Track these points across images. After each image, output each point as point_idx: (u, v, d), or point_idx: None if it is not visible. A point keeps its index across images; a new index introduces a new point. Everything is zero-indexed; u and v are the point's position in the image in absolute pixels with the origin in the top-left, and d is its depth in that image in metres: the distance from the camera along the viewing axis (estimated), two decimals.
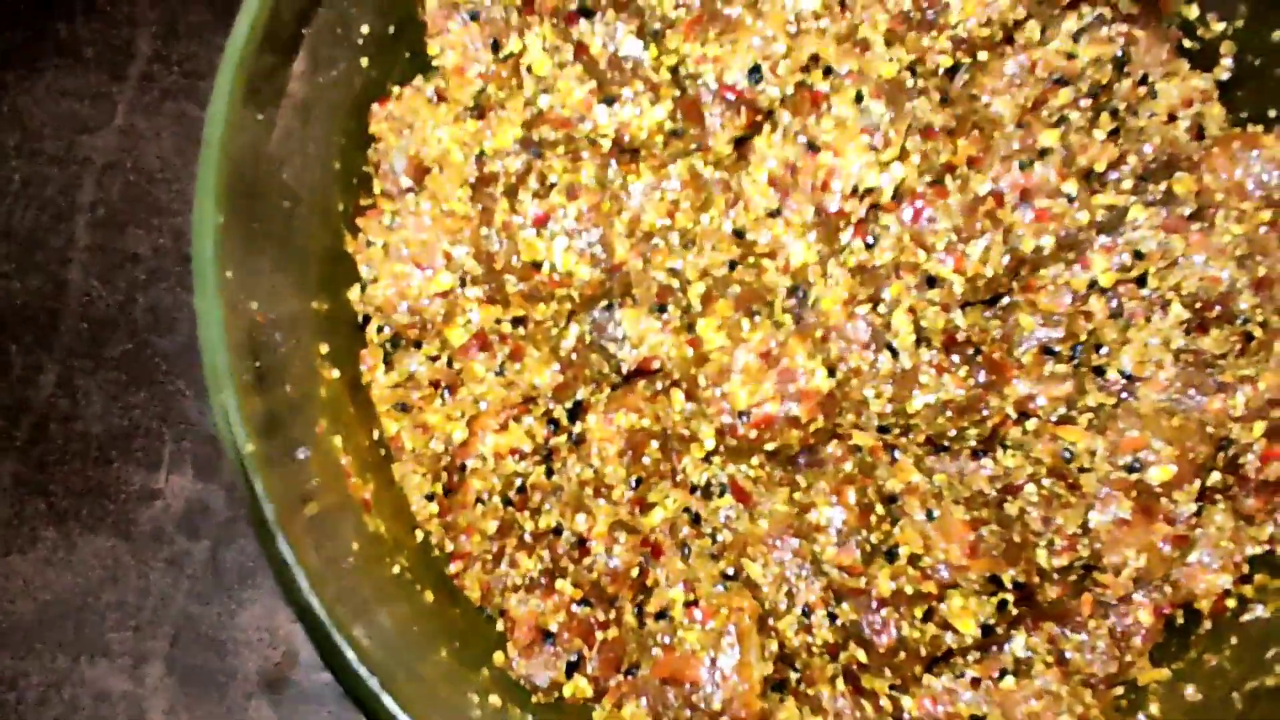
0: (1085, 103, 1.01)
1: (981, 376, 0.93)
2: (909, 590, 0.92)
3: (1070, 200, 0.95)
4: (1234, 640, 0.97)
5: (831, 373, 0.92)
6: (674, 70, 0.95)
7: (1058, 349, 0.98)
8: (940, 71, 1.01)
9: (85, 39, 1.31)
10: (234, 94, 0.80)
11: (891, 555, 0.93)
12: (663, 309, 0.96)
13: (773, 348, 0.91)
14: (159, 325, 1.25)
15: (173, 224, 1.28)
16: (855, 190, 0.91)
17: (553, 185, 0.95)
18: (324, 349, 0.97)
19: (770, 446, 0.93)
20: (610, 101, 0.93)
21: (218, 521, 1.20)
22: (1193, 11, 1.05)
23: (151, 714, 1.15)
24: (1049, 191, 0.95)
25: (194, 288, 0.77)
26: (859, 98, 0.91)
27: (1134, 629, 0.98)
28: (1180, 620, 1.00)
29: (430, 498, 1.02)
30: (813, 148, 0.91)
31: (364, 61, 0.98)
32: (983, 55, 1.01)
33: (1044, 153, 0.95)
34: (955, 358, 0.93)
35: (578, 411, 1.00)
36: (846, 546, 0.92)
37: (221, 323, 0.78)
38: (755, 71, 0.91)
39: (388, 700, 0.77)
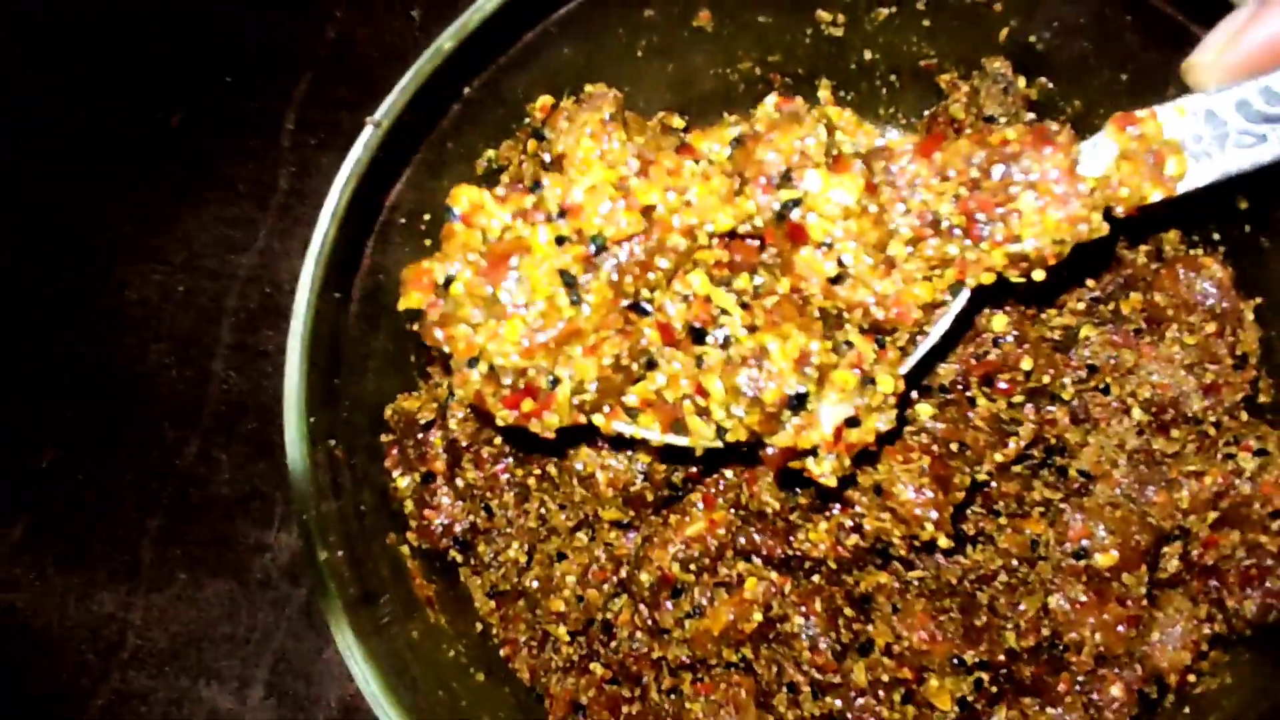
0: None
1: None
2: (885, 678, 1.01)
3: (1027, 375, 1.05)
4: (1186, 710, 1.04)
5: None
6: None
7: (1030, 453, 1.07)
8: None
9: (240, 177, 1.53)
10: (318, 283, 0.96)
11: (865, 649, 1.02)
12: None
13: None
14: (280, 409, 1.52)
15: None
16: None
17: None
18: (400, 481, 1.09)
19: None
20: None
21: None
22: None
23: None
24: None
25: (284, 429, 0.94)
26: None
27: (1107, 703, 1.04)
28: (1154, 694, 1.04)
29: (490, 595, 1.13)
30: None
31: (427, 242, 1.10)
32: None
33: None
34: None
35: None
36: (818, 649, 1.02)
37: (306, 457, 0.93)
38: None
39: None
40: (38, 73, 1.61)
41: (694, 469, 1.03)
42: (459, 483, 1.07)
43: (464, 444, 1.07)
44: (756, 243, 0.85)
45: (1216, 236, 1.13)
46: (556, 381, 0.82)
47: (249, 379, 1.48)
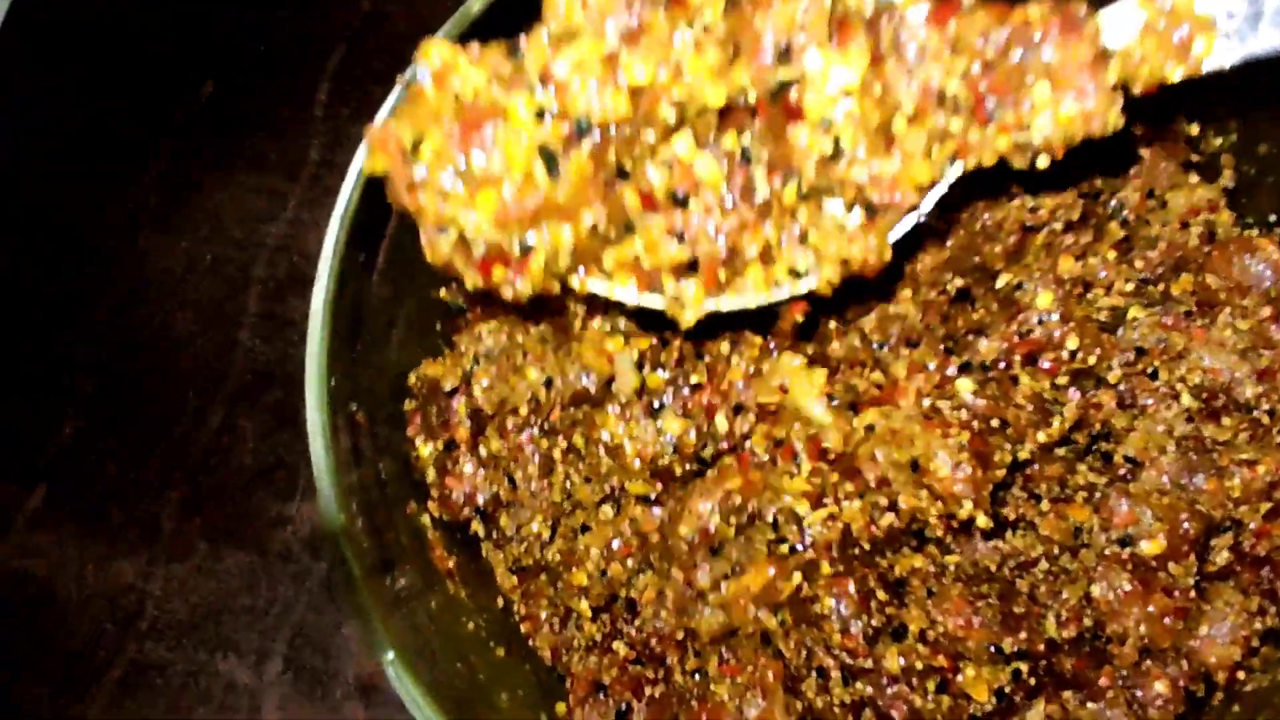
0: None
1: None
2: (919, 665, 0.96)
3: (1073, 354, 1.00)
4: (1235, 708, 0.99)
5: None
6: None
7: (1074, 438, 1.03)
8: None
9: (271, 147, 1.52)
10: (342, 244, 0.95)
11: (898, 634, 0.98)
12: None
13: None
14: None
15: None
16: None
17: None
18: (422, 449, 1.07)
19: None
20: None
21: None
22: (1194, 129, 1.12)
23: (267, 706, 1.30)
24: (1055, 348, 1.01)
25: (305, 393, 0.91)
26: None
27: (1151, 699, 0.99)
28: (1201, 692, 1.00)
29: (513, 570, 1.10)
30: None
31: None
32: None
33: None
34: None
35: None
36: (849, 632, 0.98)
37: (325, 422, 0.91)
38: None
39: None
40: (69, 41, 1.61)
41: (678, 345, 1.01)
42: (482, 452, 1.04)
43: (488, 413, 1.05)
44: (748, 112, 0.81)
45: (1273, 218, 1.09)
46: (530, 250, 0.79)
47: (275, 348, 1.46)
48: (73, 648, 1.36)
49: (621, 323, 1.03)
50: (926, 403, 0.97)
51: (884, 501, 0.98)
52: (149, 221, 1.53)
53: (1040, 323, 1.02)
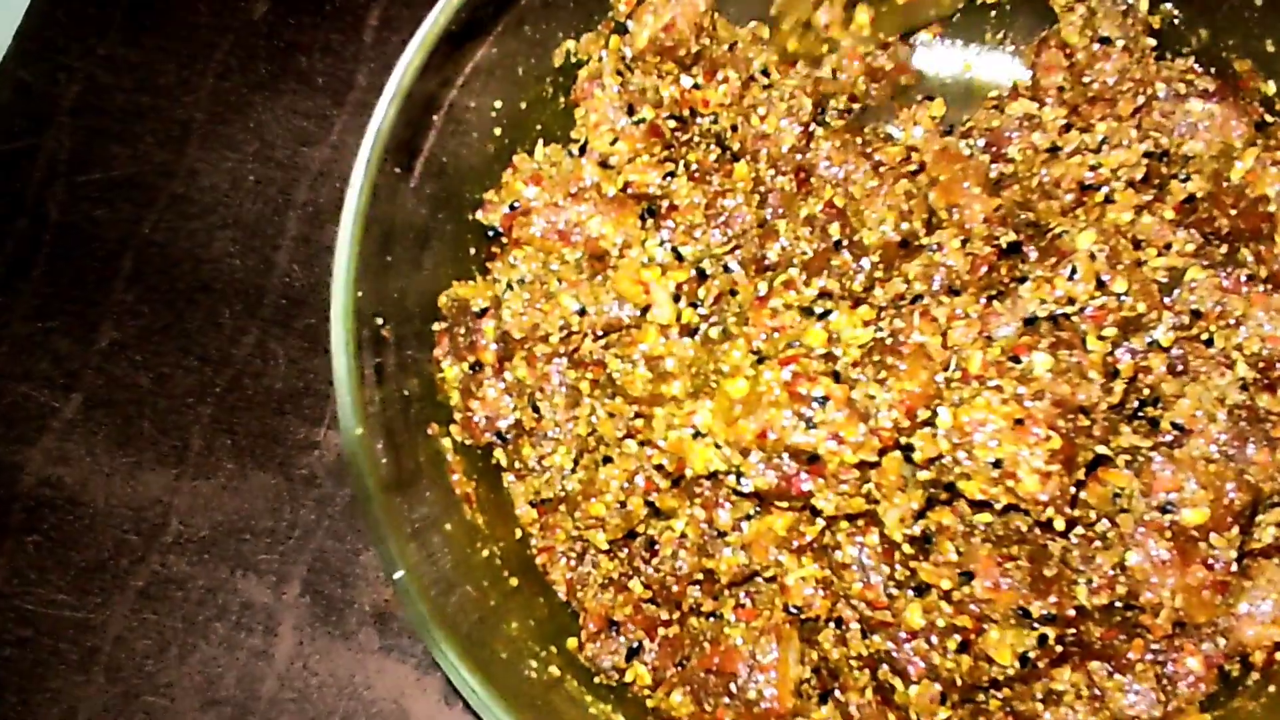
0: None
1: None
2: (941, 623, 0.95)
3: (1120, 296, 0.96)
4: (1271, 689, 0.96)
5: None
6: None
7: (1119, 403, 0.99)
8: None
9: (319, 70, 1.51)
10: (377, 154, 0.95)
11: (921, 590, 0.96)
12: None
13: None
14: None
15: None
16: None
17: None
18: (448, 371, 1.07)
19: None
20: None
21: None
22: (1270, 88, 1.08)
23: (283, 626, 1.32)
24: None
25: (331, 301, 0.89)
26: None
27: (1182, 675, 0.97)
28: (1235, 673, 0.98)
29: (533, 504, 1.10)
30: None
31: (497, 131, 1.09)
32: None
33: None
34: None
35: None
36: (870, 584, 0.96)
37: (349, 332, 0.90)
38: None
39: (445, 644, 0.87)
40: None
41: None
42: (508, 377, 1.04)
43: (517, 337, 1.04)
44: None
45: None
46: None
47: (311, 273, 1.46)
48: (98, 555, 1.38)
49: (658, 253, 1.01)
50: (1001, 384, 0.91)
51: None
52: (196, 137, 1.54)
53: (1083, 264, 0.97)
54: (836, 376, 0.91)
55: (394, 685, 1.30)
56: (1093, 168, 1.05)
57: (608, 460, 1.01)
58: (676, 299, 1.00)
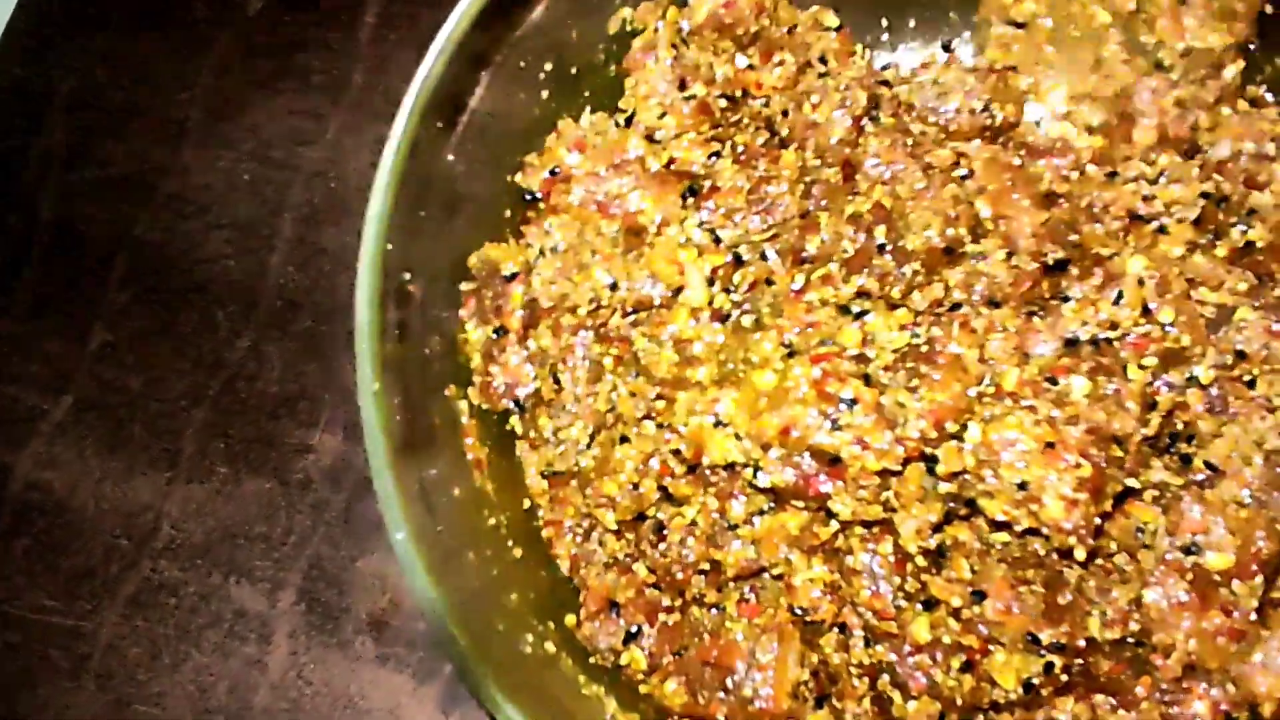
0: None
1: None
2: (947, 640, 0.92)
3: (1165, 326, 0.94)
4: None
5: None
6: None
7: (1153, 436, 0.95)
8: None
9: (315, 69, 1.50)
10: (420, 105, 0.92)
11: (930, 605, 0.93)
12: None
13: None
14: (336, 310, 1.41)
15: (360, 226, 1.51)
16: None
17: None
18: (471, 333, 1.04)
19: None
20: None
21: (356, 479, 1.34)
22: None
23: (277, 635, 1.28)
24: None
25: (360, 248, 0.88)
26: None
27: (1187, 718, 0.93)
28: None
29: (544, 475, 1.07)
30: None
31: (544, 94, 1.07)
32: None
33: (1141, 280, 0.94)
34: None
35: None
36: (879, 593, 0.94)
37: (374, 284, 0.88)
38: None
39: (442, 611, 0.85)
40: None
41: None
42: (531, 345, 1.02)
43: (545, 305, 1.02)
44: None
45: None
46: None
47: (307, 275, 1.44)
48: (87, 562, 1.35)
49: (696, 234, 1.00)
50: (1035, 404, 0.89)
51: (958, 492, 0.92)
52: (191, 136, 1.52)
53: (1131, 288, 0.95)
54: (867, 380, 0.89)
55: (390, 695, 1.27)
56: (1146, 198, 1.03)
57: (624, 440, 0.99)
58: (711, 283, 0.98)
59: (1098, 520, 0.88)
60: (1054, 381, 0.89)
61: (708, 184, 1.05)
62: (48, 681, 1.30)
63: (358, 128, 1.49)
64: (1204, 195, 1.01)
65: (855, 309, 0.94)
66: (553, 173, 1.06)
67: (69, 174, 1.51)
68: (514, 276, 1.03)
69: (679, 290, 0.99)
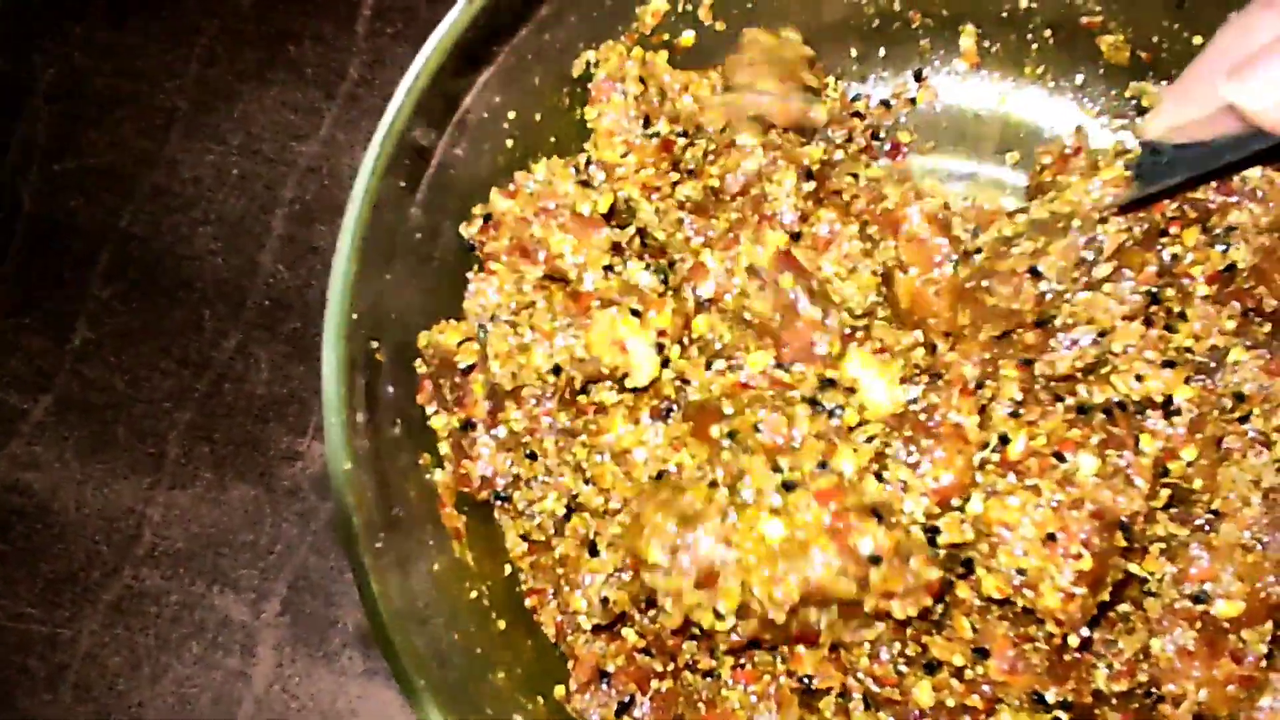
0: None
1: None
2: (951, 703, 0.90)
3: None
4: None
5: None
6: None
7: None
8: None
9: (309, 61, 1.45)
10: (380, 164, 0.88)
11: (932, 668, 0.91)
12: None
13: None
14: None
15: None
16: None
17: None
18: (435, 421, 1.00)
19: None
20: None
21: None
22: None
23: (262, 646, 1.26)
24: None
25: (324, 326, 0.85)
26: None
27: None
28: None
29: (524, 538, 1.04)
30: None
31: (509, 142, 1.03)
32: None
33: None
34: None
35: None
36: (879, 658, 0.92)
37: (341, 357, 0.86)
38: None
39: (428, 700, 0.82)
40: None
41: None
42: (500, 433, 0.98)
43: (507, 389, 0.98)
44: None
45: None
46: None
47: (297, 274, 1.40)
48: (67, 566, 1.32)
49: (644, 279, 0.96)
50: (1039, 484, 0.85)
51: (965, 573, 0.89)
52: (179, 127, 1.47)
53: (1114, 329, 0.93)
54: (879, 517, 0.83)
55: (378, 711, 1.25)
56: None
57: (594, 551, 0.95)
58: (660, 347, 0.93)
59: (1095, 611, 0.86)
60: (1061, 458, 0.85)
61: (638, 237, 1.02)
62: (25, 692, 1.28)
63: (353, 123, 1.44)
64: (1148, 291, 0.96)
65: (828, 404, 0.89)
66: (486, 219, 1.01)
67: (51, 165, 1.46)
68: (471, 368, 0.98)
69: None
